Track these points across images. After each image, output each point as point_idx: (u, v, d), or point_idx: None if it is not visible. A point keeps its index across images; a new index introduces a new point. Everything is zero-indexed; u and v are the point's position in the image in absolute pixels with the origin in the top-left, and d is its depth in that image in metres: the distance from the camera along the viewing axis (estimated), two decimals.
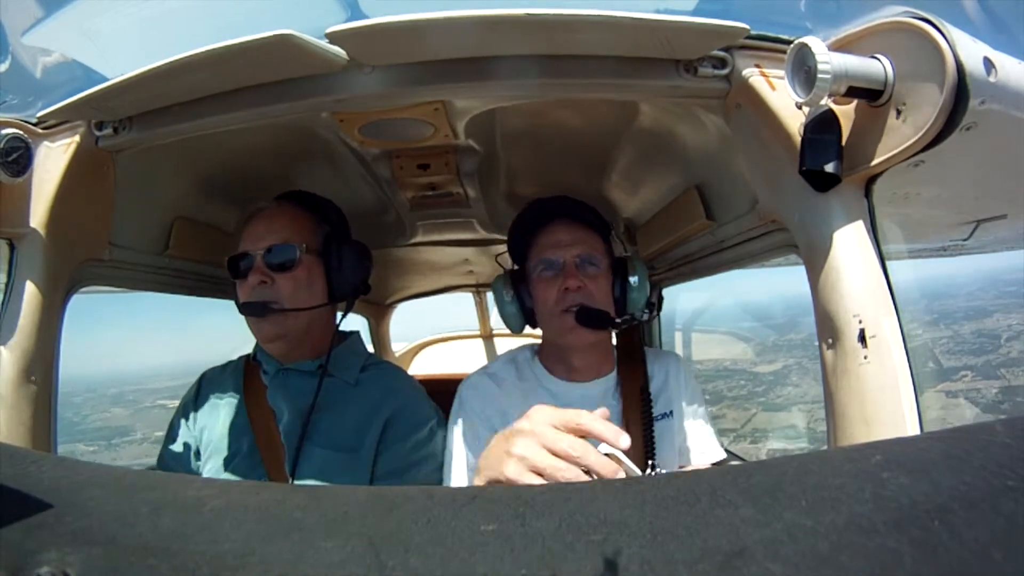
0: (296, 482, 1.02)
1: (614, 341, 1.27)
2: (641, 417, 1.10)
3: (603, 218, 1.20)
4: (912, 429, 0.70)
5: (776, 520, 0.29)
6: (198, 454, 1.14)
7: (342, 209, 1.24)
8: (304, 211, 1.17)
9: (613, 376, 1.17)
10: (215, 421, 1.14)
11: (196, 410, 1.18)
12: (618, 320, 1.10)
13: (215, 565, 0.28)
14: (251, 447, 1.07)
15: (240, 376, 1.18)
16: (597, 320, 1.08)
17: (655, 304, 1.18)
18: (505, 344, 3.51)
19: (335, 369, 1.13)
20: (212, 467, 1.10)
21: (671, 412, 1.16)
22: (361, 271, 1.19)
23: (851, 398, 0.74)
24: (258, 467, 1.05)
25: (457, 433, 1.10)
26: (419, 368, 3.48)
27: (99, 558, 0.28)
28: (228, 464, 1.07)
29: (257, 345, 1.18)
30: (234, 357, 1.27)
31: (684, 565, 0.26)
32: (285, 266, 1.09)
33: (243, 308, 1.09)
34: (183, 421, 1.18)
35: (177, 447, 1.15)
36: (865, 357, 0.73)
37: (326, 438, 1.06)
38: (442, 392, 1.23)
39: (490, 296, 3.34)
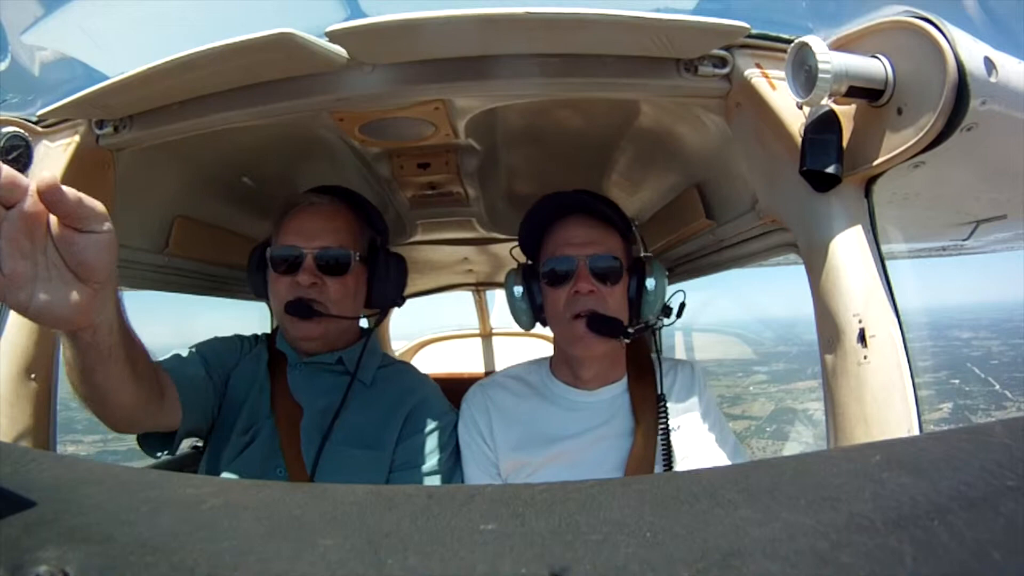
0: (319, 477, 1.02)
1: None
2: (657, 427, 1.03)
3: (623, 215, 1.12)
4: (912, 429, 0.70)
5: (775, 519, 0.29)
6: (219, 395, 1.09)
7: None
8: (355, 214, 1.16)
9: (623, 383, 1.10)
10: (242, 389, 1.11)
11: (237, 358, 1.15)
12: (631, 329, 1.01)
13: (214, 563, 0.28)
14: (272, 433, 1.06)
15: (265, 358, 1.16)
16: (609, 329, 1.00)
17: (671, 309, 1.07)
18: (505, 343, 3.51)
19: (354, 368, 1.13)
20: (231, 437, 1.06)
21: (678, 427, 1.07)
22: (401, 285, 1.20)
23: (851, 398, 0.74)
24: (276, 454, 1.04)
25: (462, 440, 1.10)
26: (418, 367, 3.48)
27: (97, 556, 0.28)
28: (249, 444, 1.06)
29: (278, 334, 1.17)
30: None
31: (683, 564, 0.26)
32: (337, 270, 1.08)
33: (289, 307, 1.06)
34: (220, 354, 1.13)
35: (202, 362, 1.09)
36: (865, 357, 0.73)
37: (347, 435, 1.06)
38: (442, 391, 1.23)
39: (489, 295, 3.34)
